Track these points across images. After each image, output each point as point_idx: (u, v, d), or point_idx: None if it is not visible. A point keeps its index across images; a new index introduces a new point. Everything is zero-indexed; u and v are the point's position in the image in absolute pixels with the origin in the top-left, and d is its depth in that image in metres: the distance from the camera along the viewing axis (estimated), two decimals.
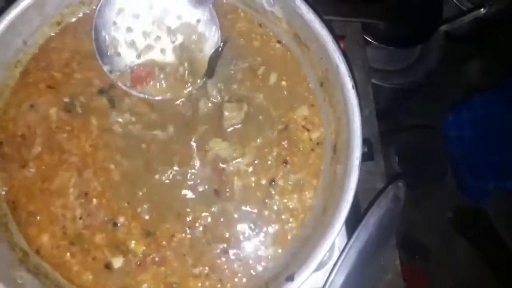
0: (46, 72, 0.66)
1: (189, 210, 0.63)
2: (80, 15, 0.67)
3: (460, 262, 1.54)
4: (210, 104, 0.66)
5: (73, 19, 0.67)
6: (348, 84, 0.57)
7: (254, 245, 0.62)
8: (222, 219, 0.63)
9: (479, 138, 1.31)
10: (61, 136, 0.64)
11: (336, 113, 0.62)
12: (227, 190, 0.63)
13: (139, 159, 0.64)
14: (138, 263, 0.61)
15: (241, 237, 0.62)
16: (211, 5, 0.64)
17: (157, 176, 0.63)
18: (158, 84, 0.64)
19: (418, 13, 1.12)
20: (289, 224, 0.63)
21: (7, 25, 0.59)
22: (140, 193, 0.63)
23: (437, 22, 1.16)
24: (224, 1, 0.68)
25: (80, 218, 0.62)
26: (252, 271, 0.61)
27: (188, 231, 0.62)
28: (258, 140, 0.65)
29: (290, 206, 0.63)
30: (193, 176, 0.64)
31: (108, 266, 0.60)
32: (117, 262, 0.61)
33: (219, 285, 0.61)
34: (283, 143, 0.65)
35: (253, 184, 0.64)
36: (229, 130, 0.65)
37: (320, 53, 0.61)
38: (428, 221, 1.52)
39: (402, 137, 1.27)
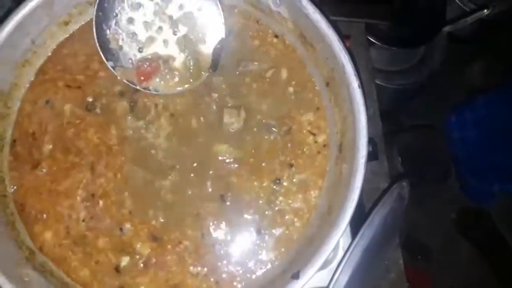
0: (67, 75, 0.67)
1: (197, 215, 0.63)
2: (87, 16, 0.67)
3: (463, 263, 1.53)
4: (214, 107, 0.66)
5: (82, 23, 0.68)
6: (354, 83, 0.58)
7: (257, 246, 0.63)
8: (226, 222, 0.63)
9: (482, 140, 1.30)
10: (74, 135, 0.65)
11: (342, 112, 0.62)
12: (231, 194, 0.64)
13: (150, 165, 0.64)
14: (142, 265, 0.61)
15: (245, 238, 0.63)
16: None
17: (165, 181, 0.64)
18: (162, 78, 0.64)
19: (421, 14, 1.12)
20: (294, 224, 0.63)
21: (16, 25, 0.60)
22: (151, 199, 0.63)
23: (441, 23, 1.17)
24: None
25: (83, 220, 0.62)
26: (254, 272, 0.62)
27: (199, 237, 0.63)
28: (262, 143, 0.65)
29: (295, 206, 0.64)
30: (199, 181, 0.64)
31: (117, 268, 0.61)
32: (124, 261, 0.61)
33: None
34: (288, 145, 0.65)
35: (257, 186, 0.64)
36: (230, 133, 0.65)
37: (326, 53, 0.61)
38: (431, 221, 1.52)
39: (405, 137, 1.27)
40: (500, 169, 1.28)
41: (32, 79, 0.66)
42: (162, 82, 0.65)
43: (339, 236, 0.55)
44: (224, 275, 0.61)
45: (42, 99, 0.66)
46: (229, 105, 0.66)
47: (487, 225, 1.48)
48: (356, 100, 0.58)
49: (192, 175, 0.64)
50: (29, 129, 0.65)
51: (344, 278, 0.63)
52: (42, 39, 0.65)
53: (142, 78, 0.64)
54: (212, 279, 0.61)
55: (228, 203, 0.63)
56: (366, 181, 0.84)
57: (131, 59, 0.65)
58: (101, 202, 0.62)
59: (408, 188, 0.74)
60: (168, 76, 0.65)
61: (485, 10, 1.15)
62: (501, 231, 1.45)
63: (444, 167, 1.33)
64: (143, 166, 0.64)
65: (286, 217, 0.63)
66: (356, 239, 0.64)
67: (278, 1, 0.64)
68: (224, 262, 0.62)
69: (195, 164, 0.64)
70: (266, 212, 0.63)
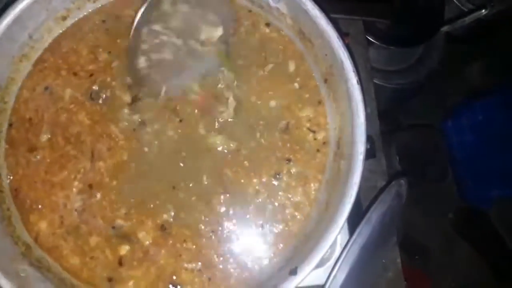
0: (72, 64, 0.67)
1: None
2: (85, 11, 0.67)
3: (461, 262, 1.53)
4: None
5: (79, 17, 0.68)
6: (353, 79, 0.58)
7: (257, 242, 0.62)
8: (226, 219, 0.63)
9: (479, 144, 1.31)
10: (67, 120, 0.64)
11: (340, 108, 0.62)
12: (230, 190, 0.63)
13: (146, 161, 0.64)
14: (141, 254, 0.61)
15: (245, 235, 0.62)
16: None
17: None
18: None
19: (420, 14, 1.12)
20: (295, 219, 0.63)
21: (14, 19, 0.60)
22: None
23: (439, 23, 1.17)
24: None
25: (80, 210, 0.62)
26: (252, 269, 0.61)
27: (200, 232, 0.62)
28: (261, 139, 0.65)
29: (295, 200, 0.63)
30: (195, 176, 0.64)
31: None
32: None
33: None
34: (287, 140, 0.65)
35: (256, 182, 0.63)
36: (221, 124, 0.65)
37: (324, 49, 0.61)
38: (429, 221, 1.52)
39: (403, 136, 1.28)
40: (499, 175, 1.29)
41: (30, 69, 0.66)
42: None
43: (337, 233, 0.55)
44: (220, 272, 0.61)
45: (40, 86, 0.66)
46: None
47: (485, 225, 1.48)
48: (354, 96, 0.58)
49: (186, 169, 0.64)
50: (25, 115, 0.65)
51: (341, 276, 0.63)
52: (40, 33, 0.65)
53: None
54: (205, 275, 0.61)
55: (227, 199, 0.63)
56: (363, 179, 0.84)
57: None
58: (98, 194, 0.62)
59: (406, 186, 0.74)
60: None
61: (483, 10, 1.16)
62: (498, 231, 1.46)
63: (442, 166, 1.33)
64: (140, 161, 0.64)
65: (287, 211, 0.63)
66: (354, 237, 0.64)
67: None
68: (221, 259, 0.61)
69: (189, 158, 0.64)
70: (267, 208, 0.63)
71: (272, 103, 0.66)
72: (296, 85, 0.67)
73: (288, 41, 0.68)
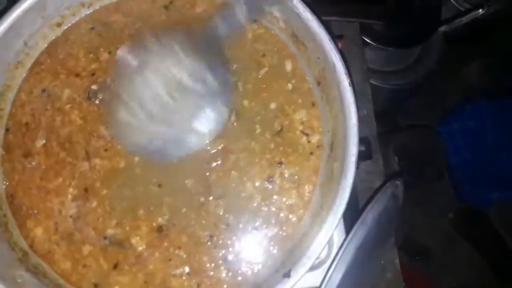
0: (70, 65, 0.67)
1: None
2: (79, 16, 0.68)
3: (462, 262, 1.53)
4: None
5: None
6: (345, 81, 0.58)
7: (252, 247, 0.62)
8: (220, 225, 0.63)
9: (472, 149, 1.31)
10: (61, 123, 0.65)
11: (332, 111, 0.62)
12: (223, 196, 0.63)
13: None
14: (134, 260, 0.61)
15: (239, 240, 0.62)
16: None
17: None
18: None
19: (416, 14, 1.12)
20: (289, 222, 0.63)
21: (9, 27, 0.60)
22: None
23: (436, 23, 1.17)
24: None
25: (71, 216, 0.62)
26: (248, 271, 0.61)
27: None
28: (254, 143, 0.65)
29: (289, 203, 0.63)
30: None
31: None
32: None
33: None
34: (280, 146, 0.65)
35: (250, 187, 0.63)
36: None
37: (317, 52, 0.62)
38: (429, 222, 1.52)
39: (401, 137, 1.27)
40: (495, 178, 1.29)
41: (26, 74, 0.67)
42: None
43: (330, 235, 0.55)
44: (211, 278, 0.61)
45: (37, 88, 0.66)
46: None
47: (485, 225, 1.47)
48: (347, 98, 0.58)
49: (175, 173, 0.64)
50: (22, 120, 0.65)
51: (337, 277, 0.63)
52: (35, 40, 0.65)
53: None
54: (194, 281, 0.60)
55: (221, 205, 0.63)
56: (360, 180, 0.86)
57: None
58: (94, 202, 0.62)
59: (402, 187, 0.74)
60: None
61: (480, 10, 1.16)
62: (499, 230, 1.45)
63: (441, 166, 1.33)
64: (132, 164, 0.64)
65: (281, 214, 0.63)
66: (349, 237, 0.63)
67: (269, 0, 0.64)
68: (213, 265, 0.61)
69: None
70: (261, 211, 0.63)
71: (268, 106, 0.66)
72: (290, 86, 0.67)
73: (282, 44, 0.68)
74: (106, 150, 0.64)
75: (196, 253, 0.61)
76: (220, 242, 0.62)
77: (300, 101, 0.66)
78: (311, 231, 0.58)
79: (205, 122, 0.64)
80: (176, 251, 0.61)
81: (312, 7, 0.60)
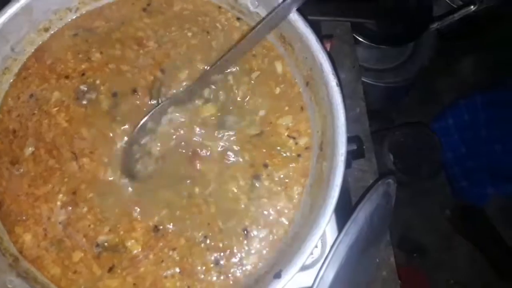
0: (61, 66, 0.67)
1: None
2: (67, 21, 0.68)
3: (459, 259, 1.53)
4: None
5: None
6: (332, 82, 0.58)
7: (242, 249, 0.62)
8: (208, 225, 0.62)
9: (467, 144, 1.32)
10: (48, 126, 0.64)
11: (321, 111, 0.62)
12: (212, 197, 0.63)
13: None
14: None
15: (229, 242, 0.62)
16: None
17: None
18: None
19: (408, 12, 1.12)
20: (279, 224, 0.63)
21: None
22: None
23: (428, 20, 1.17)
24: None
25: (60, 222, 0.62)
26: (239, 273, 0.61)
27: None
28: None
29: (278, 206, 0.63)
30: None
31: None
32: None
33: None
34: (264, 148, 0.65)
35: (235, 187, 0.63)
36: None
37: (304, 52, 0.62)
38: (426, 219, 1.52)
39: (395, 135, 1.27)
40: (490, 171, 1.29)
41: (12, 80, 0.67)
42: None
43: (320, 234, 0.55)
44: (202, 281, 0.61)
45: (25, 94, 0.66)
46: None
47: (482, 221, 1.47)
48: (334, 98, 0.58)
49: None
50: (9, 126, 0.65)
51: (329, 276, 0.62)
52: (22, 46, 0.65)
53: None
54: (185, 282, 0.60)
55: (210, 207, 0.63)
56: (354, 179, 0.86)
57: None
58: (85, 208, 0.62)
59: (394, 185, 0.74)
60: None
61: (472, 7, 1.16)
62: (496, 226, 1.45)
63: (436, 163, 1.33)
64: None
65: (270, 218, 0.63)
66: (341, 236, 0.63)
67: (256, 2, 0.64)
68: (204, 268, 0.61)
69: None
70: (250, 214, 0.63)
71: (259, 109, 0.66)
72: (278, 89, 0.67)
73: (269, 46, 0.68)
74: (91, 152, 0.64)
75: (188, 254, 0.61)
76: (213, 243, 0.62)
77: (288, 105, 0.66)
78: (301, 232, 0.58)
79: None
80: (170, 252, 0.61)
81: (300, 7, 0.60)
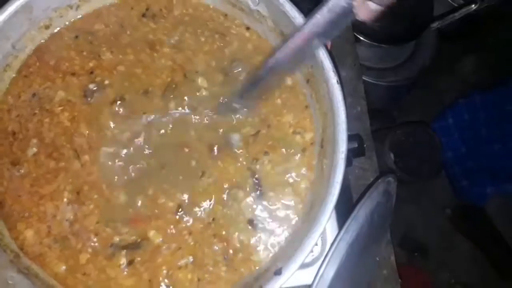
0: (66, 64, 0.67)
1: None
2: (68, 19, 0.68)
3: (460, 258, 1.53)
4: None
5: (62, 26, 0.68)
6: (333, 79, 0.58)
7: (249, 246, 0.62)
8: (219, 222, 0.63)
9: (467, 143, 1.32)
10: (52, 132, 0.64)
11: (322, 109, 0.62)
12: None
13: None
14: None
15: (236, 239, 0.62)
16: None
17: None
18: None
19: (409, 11, 1.12)
20: (287, 221, 0.63)
21: None
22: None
23: (428, 19, 1.17)
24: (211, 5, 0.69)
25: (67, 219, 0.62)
26: (239, 270, 0.62)
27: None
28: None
29: (286, 201, 0.63)
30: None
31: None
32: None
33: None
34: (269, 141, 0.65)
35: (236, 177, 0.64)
36: None
37: None
38: (427, 218, 1.52)
39: (396, 134, 1.28)
40: (490, 171, 1.29)
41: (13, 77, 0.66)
42: None
43: (320, 232, 0.55)
44: (210, 273, 0.61)
45: (27, 93, 0.65)
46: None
47: (482, 220, 1.47)
48: (335, 96, 0.58)
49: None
50: (8, 127, 0.64)
51: (329, 274, 0.62)
52: (23, 43, 0.65)
53: None
54: (196, 274, 0.61)
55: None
56: (355, 177, 0.86)
57: None
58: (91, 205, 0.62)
59: (395, 183, 0.73)
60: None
61: (473, 5, 1.16)
62: (496, 226, 1.45)
63: (437, 162, 1.33)
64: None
65: (277, 212, 0.63)
66: (341, 234, 0.63)
67: (257, 0, 0.64)
68: (211, 262, 0.61)
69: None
70: (259, 210, 0.63)
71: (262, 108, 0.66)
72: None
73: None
74: (90, 147, 0.64)
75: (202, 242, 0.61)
76: (217, 236, 0.62)
77: (293, 103, 0.67)
78: (302, 229, 0.58)
79: None
80: (186, 237, 0.61)
81: (299, 5, 0.60)
